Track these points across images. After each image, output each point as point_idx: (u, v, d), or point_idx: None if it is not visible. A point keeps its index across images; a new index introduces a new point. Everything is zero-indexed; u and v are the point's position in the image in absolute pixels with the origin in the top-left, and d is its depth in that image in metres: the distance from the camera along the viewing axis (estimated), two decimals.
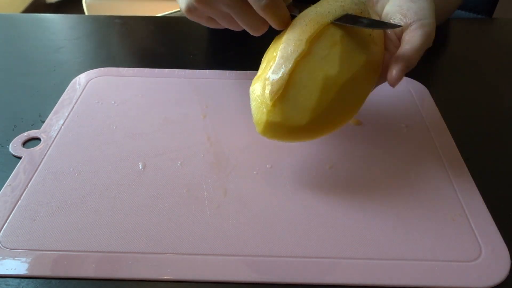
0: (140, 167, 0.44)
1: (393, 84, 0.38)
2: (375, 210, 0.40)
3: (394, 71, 0.38)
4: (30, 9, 2.38)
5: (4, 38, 0.68)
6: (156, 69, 0.59)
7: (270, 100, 0.38)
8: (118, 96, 0.53)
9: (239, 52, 0.65)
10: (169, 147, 0.46)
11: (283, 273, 0.35)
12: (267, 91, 0.38)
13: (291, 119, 0.38)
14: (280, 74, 0.38)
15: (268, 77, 0.38)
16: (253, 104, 0.40)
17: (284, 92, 0.38)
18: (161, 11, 1.07)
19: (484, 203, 0.41)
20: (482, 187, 0.42)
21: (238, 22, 0.42)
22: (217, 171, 0.43)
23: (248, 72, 0.58)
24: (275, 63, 0.39)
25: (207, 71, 0.58)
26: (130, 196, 0.41)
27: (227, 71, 0.58)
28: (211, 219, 0.39)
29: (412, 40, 0.39)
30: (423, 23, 0.40)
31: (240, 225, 0.38)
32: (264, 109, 0.38)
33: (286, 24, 0.41)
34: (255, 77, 0.41)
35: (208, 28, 0.73)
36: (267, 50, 0.43)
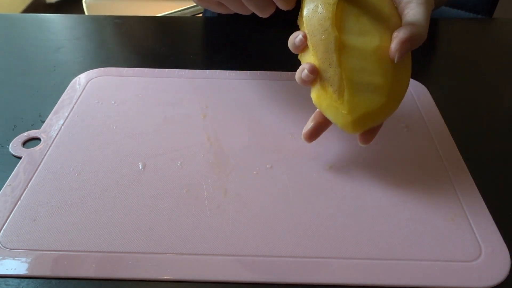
0: (140, 167, 0.44)
1: (392, 55, 0.37)
2: (375, 210, 0.40)
3: (394, 42, 0.37)
4: (30, 9, 2.38)
5: (4, 38, 0.68)
6: (156, 69, 0.59)
7: (340, 98, 0.38)
8: (118, 96, 0.53)
9: (239, 52, 0.65)
10: (169, 147, 0.46)
11: (283, 273, 0.35)
12: (333, 93, 0.38)
13: (372, 103, 0.38)
14: (331, 70, 0.38)
15: (323, 79, 0.38)
16: (329, 113, 0.40)
17: (349, 83, 0.38)
18: (161, 11, 1.07)
19: (484, 203, 0.41)
20: (482, 187, 0.42)
21: (246, 5, 0.42)
22: (217, 171, 0.43)
23: (248, 72, 0.58)
24: (319, 63, 0.38)
25: (207, 71, 0.58)
26: (130, 196, 0.41)
27: (227, 71, 0.58)
28: (211, 219, 0.39)
29: (413, 13, 0.39)
30: (421, 1, 0.39)
31: (240, 225, 0.38)
32: (343, 111, 0.38)
33: (292, 4, 0.41)
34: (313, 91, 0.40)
35: (208, 28, 0.73)
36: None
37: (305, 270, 0.35)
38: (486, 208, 0.40)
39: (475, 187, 0.42)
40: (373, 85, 0.38)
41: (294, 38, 0.40)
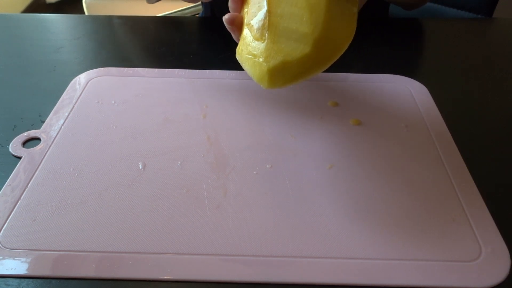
0: (140, 167, 0.44)
1: None
2: (375, 210, 0.40)
3: None
4: (30, 9, 2.38)
5: (4, 38, 0.68)
6: (156, 69, 0.59)
7: (260, 45, 0.33)
8: (118, 96, 0.53)
9: None
10: (169, 147, 0.46)
11: (283, 273, 0.35)
12: (253, 39, 0.34)
13: (293, 51, 0.33)
14: (260, 15, 0.34)
15: (251, 24, 0.35)
16: (247, 65, 0.36)
17: (272, 28, 0.33)
18: (161, 11, 1.07)
19: (484, 203, 0.41)
20: (482, 187, 0.42)
21: None
22: (217, 171, 0.43)
23: None
24: (249, 9, 0.36)
25: (207, 71, 0.58)
26: (130, 196, 0.41)
27: (227, 71, 0.58)
28: (211, 219, 0.39)
29: None
30: None
31: (240, 225, 0.38)
32: (260, 59, 0.34)
33: None
34: (239, 44, 0.37)
35: (208, 28, 0.73)
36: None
37: (305, 270, 0.35)
38: (486, 208, 0.40)
39: (475, 187, 0.42)
40: (298, 33, 0.33)
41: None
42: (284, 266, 0.35)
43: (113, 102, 0.53)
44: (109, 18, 0.74)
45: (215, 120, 0.50)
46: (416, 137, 0.48)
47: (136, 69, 0.59)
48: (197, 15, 1.13)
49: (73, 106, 0.52)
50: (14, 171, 0.43)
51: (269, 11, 0.34)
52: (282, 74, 0.34)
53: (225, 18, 0.37)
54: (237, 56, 0.37)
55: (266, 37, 0.34)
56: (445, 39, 0.69)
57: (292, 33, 0.33)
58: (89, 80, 0.56)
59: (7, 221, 0.38)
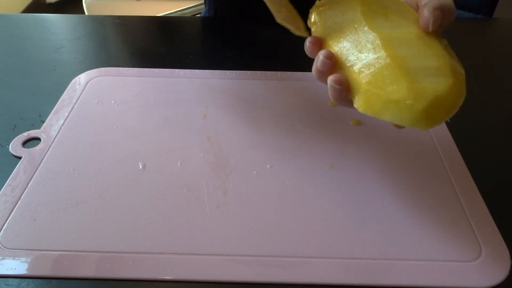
0: (140, 167, 0.44)
1: (426, 23, 0.34)
2: (375, 210, 0.40)
3: (424, 11, 0.34)
4: (30, 9, 2.38)
5: (4, 38, 0.68)
6: (156, 69, 0.59)
7: (400, 89, 0.32)
8: (118, 96, 0.53)
9: (239, 52, 0.65)
10: (169, 147, 0.46)
11: (283, 273, 0.35)
12: (387, 87, 0.32)
13: (439, 85, 0.31)
14: (381, 64, 0.33)
15: (372, 81, 0.33)
16: (389, 112, 0.33)
17: (405, 71, 0.32)
18: (161, 11, 1.07)
19: (484, 203, 0.41)
20: (482, 187, 0.42)
21: None
22: (217, 171, 0.43)
23: (248, 72, 0.58)
24: (352, 58, 0.34)
25: (207, 71, 0.58)
26: (130, 196, 0.41)
27: (227, 71, 0.58)
28: (211, 219, 0.39)
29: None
30: None
31: (240, 225, 0.38)
32: (408, 101, 0.31)
33: None
34: (354, 90, 0.35)
35: (208, 28, 0.73)
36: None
37: (305, 270, 0.35)
38: (486, 208, 0.40)
39: (475, 187, 0.42)
40: (432, 69, 0.32)
41: (317, 62, 0.36)
42: (284, 266, 0.35)
43: (113, 102, 0.53)
44: (109, 18, 0.74)
45: (215, 120, 0.50)
46: (415, 137, 0.48)
47: (136, 69, 0.59)
48: (197, 15, 1.13)
49: (73, 106, 0.52)
50: (14, 171, 0.43)
51: (390, 57, 0.33)
52: (438, 110, 0.32)
53: (331, 79, 0.35)
54: (365, 110, 0.34)
55: (403, 81, 0.32)
56: (445, 39, 0.69)
57: (426, 70, 0.32)
58: (89, 80, 0.56)
59: (7, 221, 0.38)
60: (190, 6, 1.16)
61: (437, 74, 0.32)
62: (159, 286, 0.34)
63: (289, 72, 0.58)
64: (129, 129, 0.48)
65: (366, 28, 0.35)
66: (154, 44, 0.67)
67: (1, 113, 0.51)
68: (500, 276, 0.35)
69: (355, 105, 0.35)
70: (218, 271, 0.35)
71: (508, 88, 0.58)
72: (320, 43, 0.38)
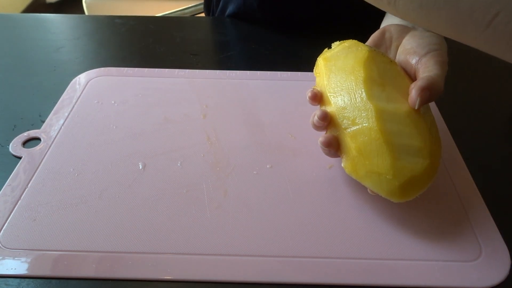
0: (140, 167, 0.44)
1: (413, 102, 0.37)
2: (374, 210, 0.40)
3: (414, 90, 0.37)
4: (30, 9, 2.38)
5: (4, 38, 0.68)
6: (156, 69, 0.59)
7: (383, 163, 0.36)
8: (118, 96, 0.53)
9: (239, 52, 0.65)
10: (169, 147, 0.46)
11: (283, 273, 0.35)
12: (372, 158, 0.36)
13: (417, 166, 0.36)
14: (371, 135, 0.36)
15: (360, 147, 0.37)
16: (370, 181, 0.37)
17: (390, 147, 0.36)
18: (161, 11, 1.07)
19: (484, 203, 0.41)
20: (482, 187, 0.42)
21: None
22: (217, 171, 0.43)
23: (248, 72, 0.58)
24: (356, 129, 0.37)
25: (207, 71, 0.58)
26: (130, 196, 0.41)
27: (227, 71, 0.58)
28: (211, 219, 0.39)
29: (427, 69, 0.39)
30: (434, 54, 0.40)
31: (240, 225, 0.38)
32: (387, 176, 0.36)
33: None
34: (344, 151, 0.39)
35: (208, 28, 0.73)
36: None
37: (305, 270, 0.35)
38: (486, 208, 0.40)
39: (475, 187, 0.42)
40: (414, 148, 0.36)
41: (313, 118, 0.40)
42: (284, 266, 0.35)
43: (113, 102, 0.53)
44: (109, 18, 0.74)
45: (215, 120, 0.50)
46: None
47: (136, 69, 0.59)
48: (197, 15, 1.13)
49: (73, 106, 0.52)
50: (14, 171, 0.43)
51: (380, 131, 0.36)
52: (412, 188, 0.36)
53: (321, 141, 0.39)
54: (350, 172, 0.38)
55: (387, 156, 0.36)
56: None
57: (408, 149, 0.36)
58: (89, 80, 0.56)
59: (7, 221, 0.38)
60: (190, 6, 1.16)
61: (417, 155, 0.36)
62: (159, 286, 0.34)
63: (289, 72, 0.58)
64: (129, 129, 0.48)
65: (364, 96, 0.38)
66: (154, 44, 0.67)
67: (1, 113, 0.51)
68: (500, 276, 0.35)
69: (342, 164, 0.39)
70: (218, 271, 0.35)
71: (508, 88, 0.58)
72: (319, 97, 0.41)
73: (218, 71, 0.58)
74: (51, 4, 2.52)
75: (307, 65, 0.57)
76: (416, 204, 0.40)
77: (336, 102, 0.39)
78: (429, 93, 0.37)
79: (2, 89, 0.56)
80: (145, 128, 0.49)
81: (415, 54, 0.41)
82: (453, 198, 0.41)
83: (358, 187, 0.42)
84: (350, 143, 0.37)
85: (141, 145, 0.46)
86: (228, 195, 0.41)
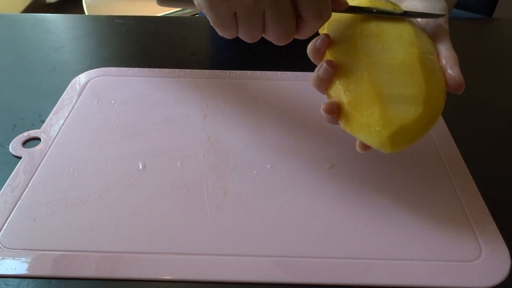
0: (140, 167, 0.44)
1: (461, 87, 0.37)
2: (374, 210, 0.40)
3: (456, 74, 0.36)
4: (30, 9, 2.38)
5: (4, 38, 0.68)
6: (156, 69, 0.59)
7: (372, 114, 0.35)
8: (118, 96, 0.53)
9: (239, 52, 0.65)
10: (169, 147, 0.46)
11: (283, 273, 0.35)
12: (363, 111, 0.35)
13: (408, 114, 0.35)
14: (360, 88, 0.36)
15: (352, 101, 0.36)
16: (362, 134, 0.36)
17: (379, 97, 0.35)
18: (161, 11, 1.07)
19: (484, 203, 0.41)
20: (482, 187, 0.42)
21: (268, 25, 0.37)
22: (217, 171, 0.43)
23: (248, 72, 0.58)
24: (342, 84, 0.37)
25: (207, 71, 0.58)
26: (130, 196, 0.41)
27: (227, 71, 0.58)
28: (211, 219, 0.39)
29: (445, 43, 0.39)
30: (443, 24, 0.39)
31: (240, 225, 0.38)
32: (377, 127, 0.35)
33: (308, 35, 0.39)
34: (340, 109, 0.37)
35: (208, 28, 0.73)
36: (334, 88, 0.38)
37: (304, 270, 0.35)
38: (486, 208, 0.40)
39: (475, 187, 0.42)
40: (406, 97, 0.35)
41: (319, 70, 0.38)
42: (284, 266, 0.35)
43: (113, 102, 0.53)
44: (109, 18, 0.74)
45: (215, 120, 0.50)
46: None
47: (136, 69, 0.59)
48: (197, 15, 1.13)
49: (73, 106, 0.52)
50: (14, 171, 0.43)
51: (370, 82, 0.35)
52: (403, 137, 0.35)
53: (323, 108, 0.37)
54: (345, 128, 0.37)
55: (376, 107, 0.35)
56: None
57: (400, 98, 0.35)
58: (89, 80, 0.56)
59: (7, 221, 0.38)
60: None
61: (409, 102, 0.35)
62: (159, 286, 0.34)
63: (289, 72, 0.58)
64: (129, 129, 0.48)
65: (358, 48, 0.37)
66: (154, 44, 0.67)
67: (1, 113, 0.51)
68: (500, 276, 0.35)
69: (338, 121, 0.38)
70: (218, 271, 0.35)
71: (508, 88, 0.58)
72: (322, 52, 0.39)
73: (218, 71, 0.58)
74: (51, 4, 2.52)
75: (307, 65, 0.57)
76: (416, 204, 0.40)
77: (334, 57, 0.38)
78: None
79: (2, 89, 0.56)
80: (145, 128, 0.49)
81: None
82: (453, 198, 0.41)
83: (358, 187, 0.42)
84: (342, 96, 0.36)
85: (141, 145, 0.46)
86: (228, 195, 0.41)
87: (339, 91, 0.37)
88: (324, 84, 0.38)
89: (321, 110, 0.37)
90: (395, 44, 0.37)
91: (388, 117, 0.35)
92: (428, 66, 0.37)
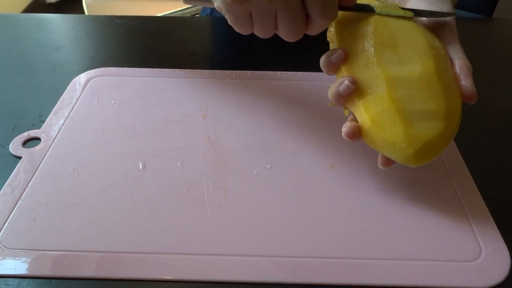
0: (140, 167, 0.44)
1: (473, 98, 0.39)
2: (375, 210, 0.40)
3: (469, 86, 0.38)
4: (30, 9, 2.38)
5: (4, 38, 0.68)
6: (156, 69, 0.59)
7: (396, 131, 0.36)
8: (118, 96, 0.53)
9: (239, 52, 0.65)
10: (169, 147, 0.46)
11: (283, 273, 0.35)
12: (387, 128, 0.36)
13: (431, 130, 0.36)
14: (382, 105, 0.36)
15: (374, 117, 0.37)
16: (387, 150, 0.37)
17: (402, 114, 0.36)
18: (161, 11, 1.07)
19: (484, 203, 0.41)
20: (482, 187, 0.42)
21: (280, 24, 0.39)
22: (217, 171, 0.43)
23: (248, 72, 0.58)
24: (368, 101, 0.37)
25: (207, 71, 0.58)
26: (130, 196, 0.41)
27: (227, 71, 0.58)
28: (211, 219, 0.39)
29: (457, 49, 0.40)
30: (451, 27, 0.40)
31: (240, 225, 0.38)
32: (402, 144, 0.36)
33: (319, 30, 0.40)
34: (360, 124, 0.38)
35: (208, 28, 0.73)
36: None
37: (305, 270, 0.35)
38: (486, 208, 0.40)
39: (475, 187, 0.42)
40: (427, 112, 0.36)
41: (339, 86, 0.38)
42: (284, 266, 0.35)
43: (113, 102, 0.53)
44: (109, 18, 0.74)
45: (215, 120, 0.50)
46: None
47: (136, 69, 0.59)
48: (197, 15, 1.13)
49: (73, 106, 0.52)
50: (14, 171, 0.43)
51: (391, 99, 0.36)
52: (427, 152, 0.36)
53: (346, 133, 0.38)
54: (368, 142, 0.38)
55: (400, 124, 0.36)
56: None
57: (421, 114, 0.36)
58: (89, 80, 0.56)
59: (7, 221, 0.38)
60: (190, 6, 1.16)
61: (431, 118, 0.36)
62: (159, 286, 0.34)
63: (289, 72, 0.58)
64: (129, 129, 0.48)
65: (375, 63, 0.37)
66: (154, 44, 0.67)
67: (1, 113, 0.51)
68: (500, 276, 0.35)
69: (361, 138, 0.39)
70: (218, 271, 0.35)
71: (508, 88, 0.58)
72: (337, 66, 0.40)
73: (218, 71, 0.58)
74: (51, 4, 2.52)
75: (307, 65, 0.57)
76: (416, 204, 0.40)
77: (349, 71, 0.38)
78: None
79: (2, 89, 0.56)
80: (145, 128, 0.49)
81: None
82: (453, 198, 0.41)
83: (358, 187, 0.42)
84: (364, 114, 0.37)
85: (141, 145, 0.46)
86: (228, 195, 0.41)
87: (359, 108, 0.38)
88: (343, 99, 0.39)
89: (343, 134, 0.39)
90: (412, 56, 0.38)
91: (412, 134, 0.36)
92: (444, 78, 0.38)
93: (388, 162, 0.39)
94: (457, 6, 0.89)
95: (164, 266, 0.35)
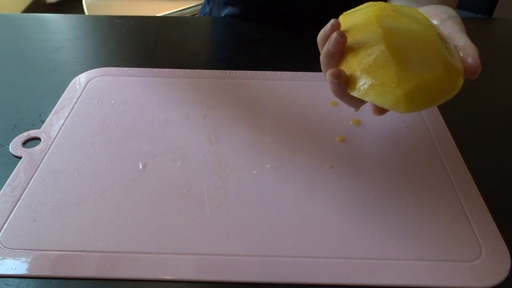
0: (140, 167, 0.44)
1: (476, 70, 0.36)
2: (374, 210, 0.40)
3: (471, 59, 0.36)
4: (30, 9, 2.38)
5: (4, 38, 0.68)
6: (156, 69, 0.59)
7: (387, 73, 0.33)
8: (118, 96, 0.53)
9: (239, 52, 0.65)
10: (169, 147, 0.46)
11: (283, 273, 0.35)
12: (376, 71, 0.33)
13: (426, 75, 0.33)
14: (375, 51, 0.34)
15: (366, 65, 0.34)
16: (374, 94, 0.34)
17: (397, 60, 0.33)
18: (161, 11, 1.07)
19: (484, 203, 0.41)
20: (482, 187, 0.42)
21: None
22: (217, 171, 0.43)
23: (248, 72, 0.58)
24: (357, 53, 0.35)
25: (207, 71, 0.58)
26: (130, 196, 0.41)
27: (227, 71, 0.58)
28: (211, 219, 0.39)
29: (457, 34, 0.38)
30: (456, 21, 0.40)
31: (240, 225, 0.38)
32: (393, 85, 0.33)
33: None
34: (350, 79, 0.35)
35: (208, 28, 0.73)
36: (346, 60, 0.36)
37: (305, 270, 0.35)
38: (486, 208, 0.40)
39: (475, 187, 0.42)
40: (425, 61, 0.33)
41: (328, 44, 0.36)
42: (284, 266, 0.35)
43: (113, 102, 0.53)
44: (109, 18, 0.74)
45: (215, 120, 0.50)
46: (416, 137, 0.48)
47: (136, 69, 0.59)
48: (196, 15, 1.13)
49: (73, 106, 0.52)
50: (14, 171, 0.43)
51: (387, 46, 0.34)
52: (419, 96, 0.33)
53: (330, 73, 0.35)
54: (354, 92, 0.35)
55: (392, 67, 0.33)
56: None
57: (419, 62, 0.34)
58: (89, 80, 0.56)
59: (7, 221, 0.38)
60: (190, 6, 1.16)
61: (428, 65, 0.33)
62: (159, 286, 0.34)
63: (289, 72, 0.58)
64: (129, 129, 0.48)
65: (374, 25, 0.36)
66: (154, 44, 0.67)
67: (1, 113, 0.51)
68: (500, 276, 0.35)
69: (347, 89, 0.36)
70: (218, 271, 0.35)
71: (508, 88, 0.58)
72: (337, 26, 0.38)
73: (218, 71, 0.58)
74: (51, 4, 2.52)
75: (307, 65, 0.57)
76: (416, 204, 0.40)
77: (348, 39, 0.36)
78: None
79: (2, 89, 0.56)
80: (145, 128, 0.49)
81: (436, 17, 0.40)
82: (453, 198, 0.41)
83: (358, 187, 0.42)
84: (355, 66, 0.35)
85: (141, 145, 0.46)
86: (228, 195, 0.41)
87: (350, 63, 0.35)
88: (334, 60, 0.36)
89: (327, 75, 0.35)
90: (413, 24, 0.36)
91: (405, 75, 0.33)
92: (446, 45, 0.36)
93: (381, 109, 0.36)
94: (457, 6, 0.89)
95: (164, 266, 0.35)
